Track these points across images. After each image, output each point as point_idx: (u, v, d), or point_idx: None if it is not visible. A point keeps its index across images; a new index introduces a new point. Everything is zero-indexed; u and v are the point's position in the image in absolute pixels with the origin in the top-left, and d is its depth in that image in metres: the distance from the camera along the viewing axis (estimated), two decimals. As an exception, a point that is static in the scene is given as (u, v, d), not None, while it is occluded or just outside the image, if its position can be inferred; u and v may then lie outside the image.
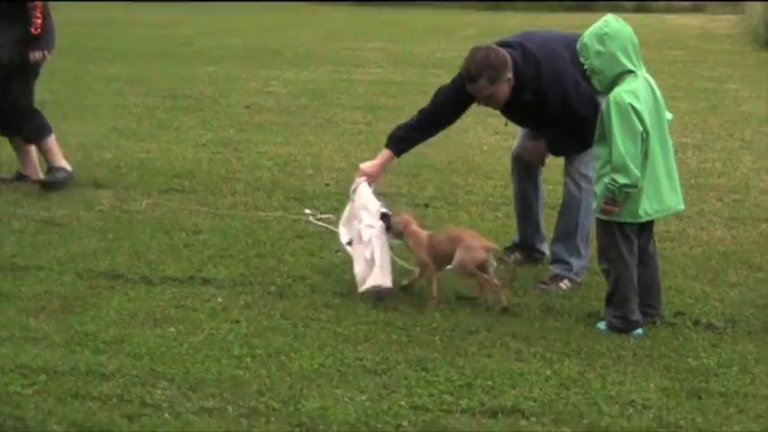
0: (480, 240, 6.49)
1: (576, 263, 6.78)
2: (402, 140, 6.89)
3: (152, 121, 12.43)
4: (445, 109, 6.83)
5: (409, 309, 6.34)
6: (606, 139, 5.91)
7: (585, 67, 6.03)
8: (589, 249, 6.85)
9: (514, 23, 25.33)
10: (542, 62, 6.57)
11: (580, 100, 6.53)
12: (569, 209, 6.81)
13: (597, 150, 6.03)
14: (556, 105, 6.57)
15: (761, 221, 8.47)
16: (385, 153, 6.87)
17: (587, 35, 5.98)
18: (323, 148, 11.04)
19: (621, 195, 5.86)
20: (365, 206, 6.67)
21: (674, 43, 21.69)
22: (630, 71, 5.93)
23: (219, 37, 22.05)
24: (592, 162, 6.55)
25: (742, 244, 7.85)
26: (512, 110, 6.78)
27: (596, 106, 6.30)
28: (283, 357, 5.56)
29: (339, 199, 8.77)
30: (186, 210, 8.43)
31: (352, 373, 5.40)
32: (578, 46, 6.06)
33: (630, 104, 5.81)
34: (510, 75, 6.50)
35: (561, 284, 6.72)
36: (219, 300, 6.43)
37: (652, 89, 6.00)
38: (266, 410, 4.96)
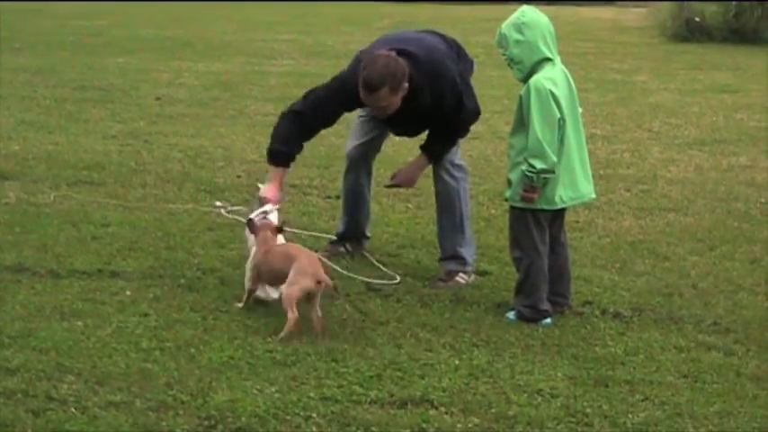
0: (316, 268, 5.87)
1: (467, 253, 6.81)
2: (287, 156, 6.58)
3: (61, 112, 12.27)
4: (324, 116, 6.59)
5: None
6: (524, 126, 5.95)
7: (504, 57, 6.07)
8: (472, 232, 6.94)
9: (428, 15, 25.46)
10: (433, 66, 6.47)
11: (469, 96, 6.61)
12: (450, 202, 6.81)
13: (513, 139, 6.07)
14: (452, 105, 6.55)
15: (668, 211, 8.60)
16: (278, 172, 6.56)
17: (505, 26, 6.02)
18: (234, 140, 10.98)
19: (540, 181, 5.91)
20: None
21: (586, 35, 21.92)
22: (549, 59, 5.99)
23: (131, 28, 21.84)
24: (458, 151, 6.80)
25: (649, 234, 7.96)
26: (402, 117, 6.56)
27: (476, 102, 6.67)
28: (192, 350, 5.52)
29: (250, 191, 8.75)
30: (95, 202, 8.33)
31: (261, 365, 5.37)
32: (496, 37, 6.09)
33: (550, 91, 5.88)
34: (406, 84, 6.34)
35: (458, 279, 6.73)
36: (128, 293, 6.36)
37: (567, 78, 6.08)
38: (175, 403, 4.91)
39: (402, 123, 6.77)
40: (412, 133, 7.06)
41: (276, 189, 6.53)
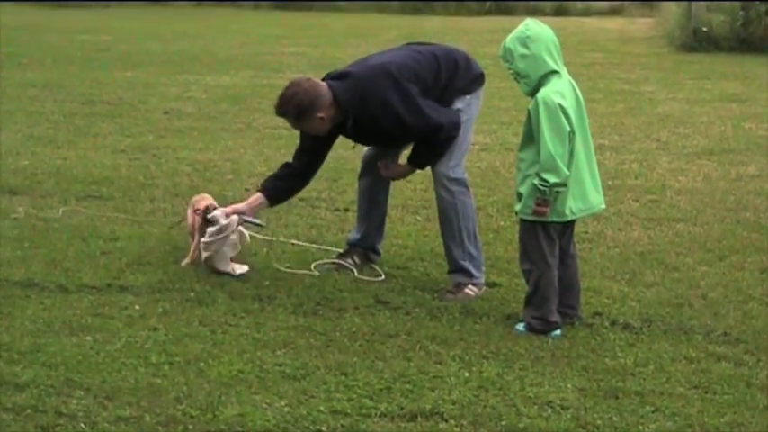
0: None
1: (472, 266, 6.79)
2: (280, 191, 7.00)
3: (69, 127, 12.28)
4: (308, 150, 6.90)
5: (329, 313, 6.33)
6: (533, 140, 5.94)
7: (510, 71, 6.07)
8: (479, 245, 6.90)
9: (434, 26, 25.48)
10: (365, 91, 6.58)
11: (415, 113, 6.57)
12: (448, 217, 6.80)
13: (522, 153, 6.06)
14: (389, 123, 6.61)
15: (676, 222, 8.58)
16: (257, 197, 6.96)
17: (509, 40, 6.02)
18: (243, 153, 10.99)
19: (552, 195, 5.91)
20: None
21: (592, 46, 21.91)
22: (555, 71, 5.98)
23: (138, 42, 21.86)
24: (460, 165, 6.74)
25: (658, 244, 7.95)
26: (352, 133, 6.81)
27: (449, 114, 6.63)
28: (202, 364, 5.52)
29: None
30: (104, 217, 8.33)
31: (271, 378, 5.37)
32: (501, 52, 6.09)
33: (559, 104, 5.87)
34: (322, 114, 6.53)
35: (468, 291, 6.73)
36: (137, 307, 6.36)
37: (575, 90, 6.07)
38: (184, 418, 4.91)
39: (357, 138, 6.97)
40: (375, 145, 7.17)
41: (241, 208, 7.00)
